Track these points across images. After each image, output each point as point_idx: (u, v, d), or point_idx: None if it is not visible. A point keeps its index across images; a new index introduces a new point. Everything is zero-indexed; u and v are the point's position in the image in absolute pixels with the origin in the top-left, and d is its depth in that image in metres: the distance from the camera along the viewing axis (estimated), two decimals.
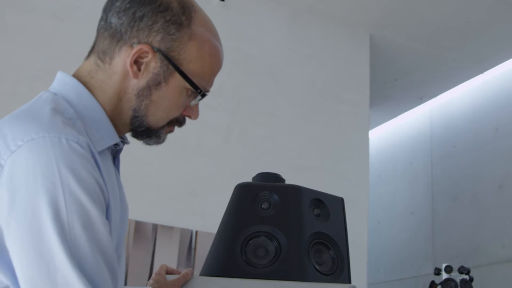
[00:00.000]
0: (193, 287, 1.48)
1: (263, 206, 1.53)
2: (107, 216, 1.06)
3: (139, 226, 4.05)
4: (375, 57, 5.43)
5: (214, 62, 1.21)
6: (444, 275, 4.36)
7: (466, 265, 5.61)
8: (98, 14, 1.19)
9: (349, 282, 1.42)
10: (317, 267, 1.45)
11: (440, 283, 4.34)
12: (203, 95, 1.20)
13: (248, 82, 4.77)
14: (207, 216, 4.29)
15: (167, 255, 4.06)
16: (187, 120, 1.34)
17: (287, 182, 1.63)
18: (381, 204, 6.95)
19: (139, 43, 1.13)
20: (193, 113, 1.25)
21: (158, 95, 1.16)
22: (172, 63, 1.14)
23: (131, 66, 1.13)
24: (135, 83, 1.15)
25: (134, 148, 4.59)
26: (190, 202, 4.27)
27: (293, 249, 1.45)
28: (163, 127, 1.25)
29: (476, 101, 5.98)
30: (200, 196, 4.34)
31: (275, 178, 1.62)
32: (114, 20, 1.14)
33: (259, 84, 4.81)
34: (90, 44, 1.20)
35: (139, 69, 1.15)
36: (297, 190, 1.53)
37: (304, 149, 4.84)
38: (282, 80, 4.90)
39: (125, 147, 4.25)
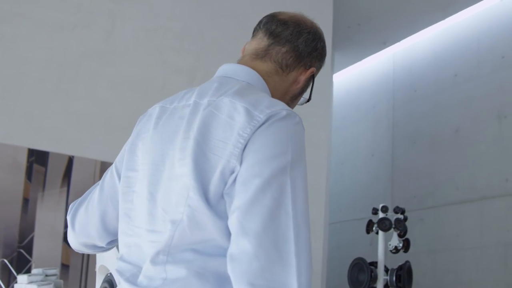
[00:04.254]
0: None
1: None
2: None
3: (104, 167, 4.17)
4: (338, 2, 5.50)
5: None
6: (381, 215, 4.57)
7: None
8: None
9: None
10: None
11: (377, 222, 4.56)
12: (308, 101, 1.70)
13: (212, 25, 4.83)
14: None
15: None
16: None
17: None
18: (345, 146, 7.13)
19: (310, 66, 1.60)
20: None
21: (299, 98, 1.65)
22: (313, 81, 1.64)
23: (303, 80, 1.60)
24: (295, 89, 1.61)
25: (98, 89, 4.67)
26: None
27: None
28: None
29: (438, 46, 6.11)
30: None
31: None
32: (301, 46, 1.57)
33: (223, 27, 4.88)
34: None
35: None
36: None
37: None
38: (246, 24, 4.94)
39: (92, 89, 4.43)
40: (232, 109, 1.32)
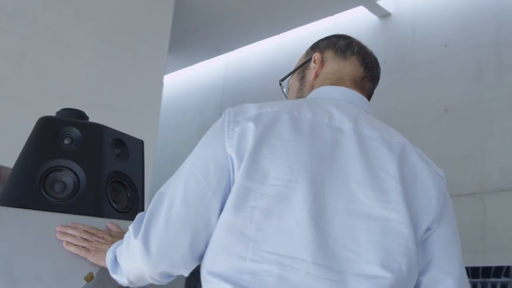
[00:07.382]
0: None
1: (65, 141, 1.53)
2: None
3: None
4: (179, 3, 5.47)
5: None
6: None
7: None
8: None
9: None
10: (113, 205, 1.50)
11: None
12: None
13: (48, 9, 4.60)
14: None
15: None
16: None
17: None
18: (168, 150, 7.06)
19: None
20: None
21: None
22: None
23: None
24: None
25: None
26: None
27: (91, 185, 1.48)
28: None
29: (270, 59, 6.25)
30: None
31: (79, 115, 1.64)
32: (376, 86, 1.57)
33: (60, 14, 4.66)
34: None
35: None
36: (100, 128, 1.57)
37: (99, 86, 4.78)
38: (83, 13, 4.78)
39: None
40: (420, 161, 1.35)
